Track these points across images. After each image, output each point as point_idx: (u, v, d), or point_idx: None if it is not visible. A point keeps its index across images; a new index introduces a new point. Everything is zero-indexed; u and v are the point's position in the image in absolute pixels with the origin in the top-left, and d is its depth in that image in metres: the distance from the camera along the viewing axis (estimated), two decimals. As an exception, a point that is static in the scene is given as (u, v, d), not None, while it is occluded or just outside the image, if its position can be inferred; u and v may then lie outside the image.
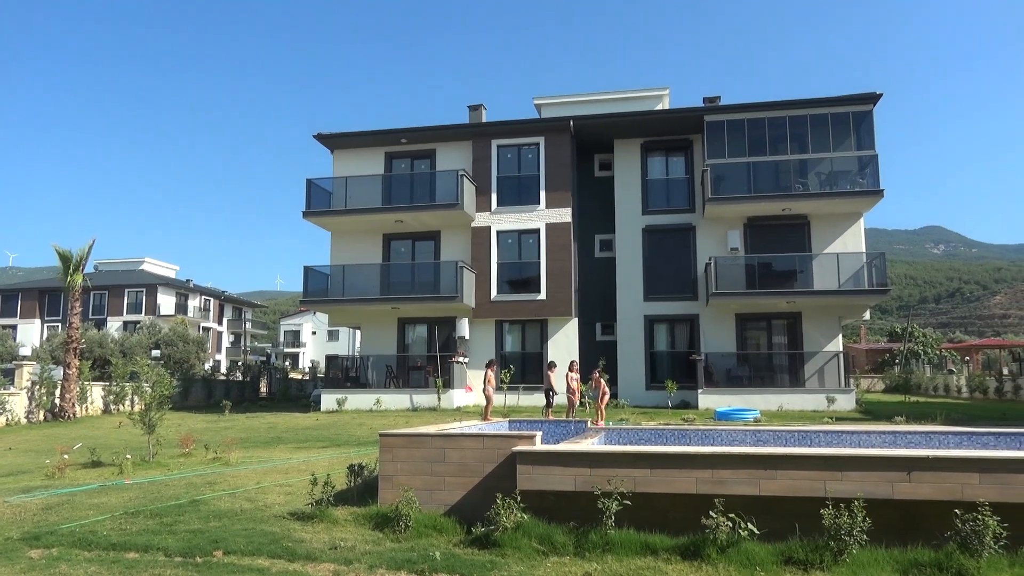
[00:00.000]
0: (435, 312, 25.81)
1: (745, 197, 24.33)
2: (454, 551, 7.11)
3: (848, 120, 24.54)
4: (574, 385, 18.93)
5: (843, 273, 23.46)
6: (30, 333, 61.47)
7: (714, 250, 24.93)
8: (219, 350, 70.87)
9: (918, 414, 19.22)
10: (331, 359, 29.93)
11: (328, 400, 24.69)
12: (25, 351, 27.79)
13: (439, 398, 23.55)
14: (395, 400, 24.27)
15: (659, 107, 28.41)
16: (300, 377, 45.62)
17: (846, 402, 22.26)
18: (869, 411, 21.82)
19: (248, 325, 78.48)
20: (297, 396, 34.39)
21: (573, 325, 25.71)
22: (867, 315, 27.19)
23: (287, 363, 67.90)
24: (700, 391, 23.04)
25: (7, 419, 22.65)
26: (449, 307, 25.14)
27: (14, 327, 62.13)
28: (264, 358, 68.48)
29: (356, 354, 35.24)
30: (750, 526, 6.61)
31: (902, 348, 48.24)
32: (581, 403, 19.60)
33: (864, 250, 24.44)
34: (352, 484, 9.06)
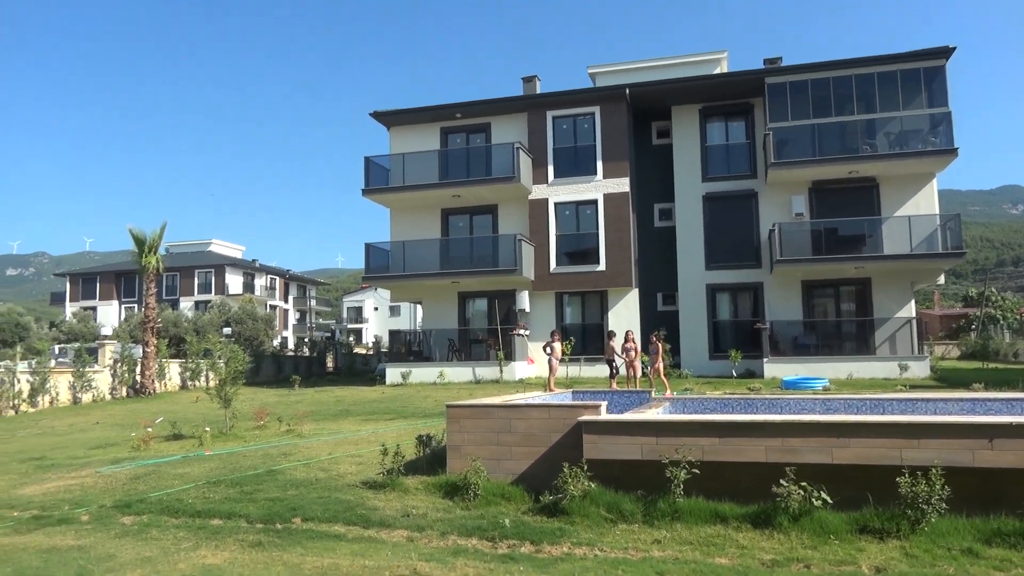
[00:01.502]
0: (495, 285, 25.96)
1: (810, 161, 23.60)
2: (523, 519, 7.23)
3: (919, 76, 23.46)
4: (632, 355, 18.89)
5: (915, 236, 22.60)
6: (109, 314, 64.28)
7: (778, 216, 24.31)
8: (286, 327, 72.88)
9: (998, 381, 18.51)
10: (394, 334, 30.47)
11: (393, 374, 25.20)
12: (106, 331, 29.22)
13: (501, 370, 23.77)
14: (458, 373, 24.60)
15: (717, 71, 27.69)
16: (364, 352, 46.59)
17: (920, 369, 21.57)
18: (944, 378, 21.11)
19: (312, 302, 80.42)
20: (362, 370, 35.18)
21: (633, 296, 25.52)
22: (941, 279, 26.20)
23: (351, 339, 69.42)
24: (765, 360, 22.65)
25: (93, 395, 23.85)
26: (508, 280, 25.25)
27: (94, 308, 65.07)
28: (329, 334, 70.13)
29: (418, 328, 35.78)
30: (823, 495, 6.52)
31: (979, 313, 46.37)
32: (644, 373, 19.52)
33: (937, 212, 23.48)
34: (421, 454, 9.26)
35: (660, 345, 19.16)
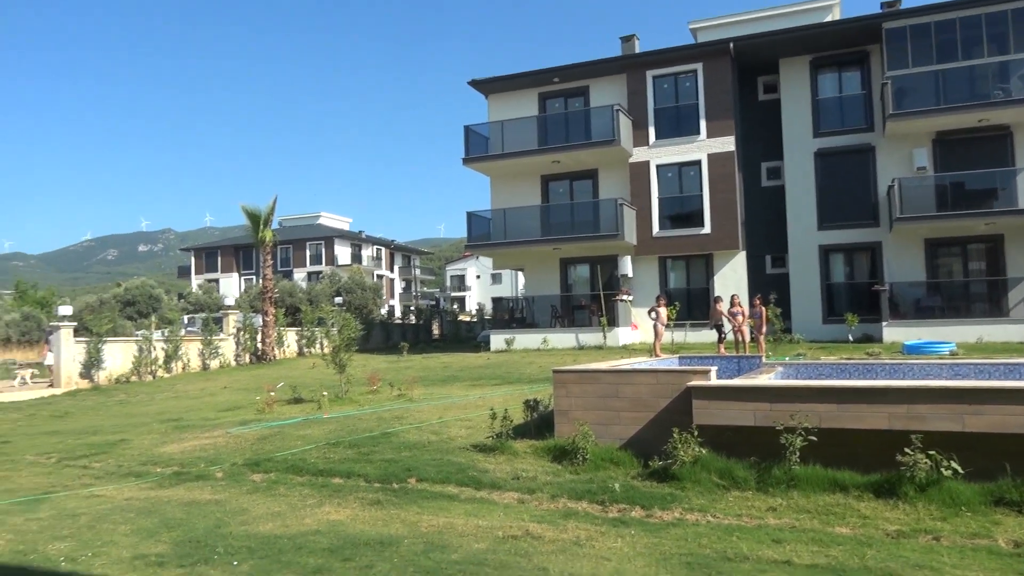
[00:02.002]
0: (596, 251, 25.75)
1: (933, 110, 21.99)
2: (632, 483, 7.23)
3: (1061, 10, 21.33)
4: (740, 319, 18.44)
5: (1056, 188, 20.76)
6: (231, 285, 68.11)
7: (897, 171, 22.88)
8: (392, 296, 75.08)
9: None
10: (497, 301, 30.86)
11: (497, 340, 25.56)
12: (229, 302, 30.96)
13: (604, 336, 23.67)
14: (561, 339, 24.69)
15: (828, 19, 26.10)
16: (468, 319, 47.51)
17: (1060, 332, 19.96)
18: (1088, 342, 19.46)
19: (417, 272, 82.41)
20: (467, 337, 35.90)
21: (740, 259, 24.75)
22: (1086, 234, 24.03)
23: (455, 306, 70.84)
24: (884, 324, 21.52)
25: (220, 362, 25.48)
26: (610, 245, 24.99)
27: (217, 280, 69.14)
28: (434, 302, 71.80)
29: (520, 295, 36.09)
30: (954, 464, 6.18)
31: None
32: (753, 338, 19.01)
33: (1083, 160, 21.47)
34: (528, 419, 9.39)
35: (763, 309, 18.69)
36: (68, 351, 20.72)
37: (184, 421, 13.00)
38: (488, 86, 28.35)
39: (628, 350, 21.72)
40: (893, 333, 21.10)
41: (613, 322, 24.05)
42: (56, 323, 21.37)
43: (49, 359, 21.09)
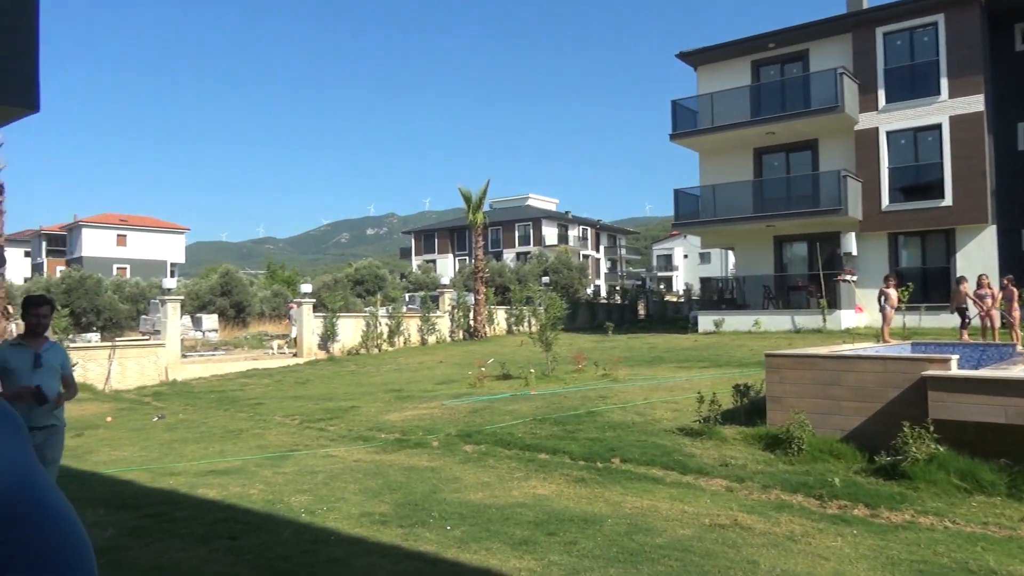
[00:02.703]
0: (815, 227, 23.98)
1: None
2: (854, 479, 6.68)
3: None
4: (989, 302, 16.27)
5: None
6: (446, 266, 72.26)
7: None
8: (598, 276, 75.46)
9: None
10: (705, 281, 29.91)
11: (705, 321, 24.77)
12: (444, 281, 32.94)
13: (824, 319, 22.05)
14: (775, 321, 23.37)
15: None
16: (675, 300, 46.49)
17: None
18: None
19: (622, 251, 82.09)
20: (673, 318, 35.15)
21: (989, 234, 21.82)
22: None
23: (661, 287, 69.70)
24: None
25: (436, 337, 27.15)
26: (831, 221, 23.14)
27: (433, 261, 73.64)
28: (639, 282, 71.16)
29: (730, 275, 34.65)
30: None
31: None
32: (1004, 324, 16.71)
33: None
34: (738, 404, 9.00)
35: (1015, 291, 16.33)
36: (308, 325, 23.12)
37: (405, 392, 14.01)
38: (697, 57, 27.30)
39: (851, 334, 20.06)
40: None
41: (834, 304, 22.32)
42: (298, 299, 23.91)
43: (292, 332, 23.69)
